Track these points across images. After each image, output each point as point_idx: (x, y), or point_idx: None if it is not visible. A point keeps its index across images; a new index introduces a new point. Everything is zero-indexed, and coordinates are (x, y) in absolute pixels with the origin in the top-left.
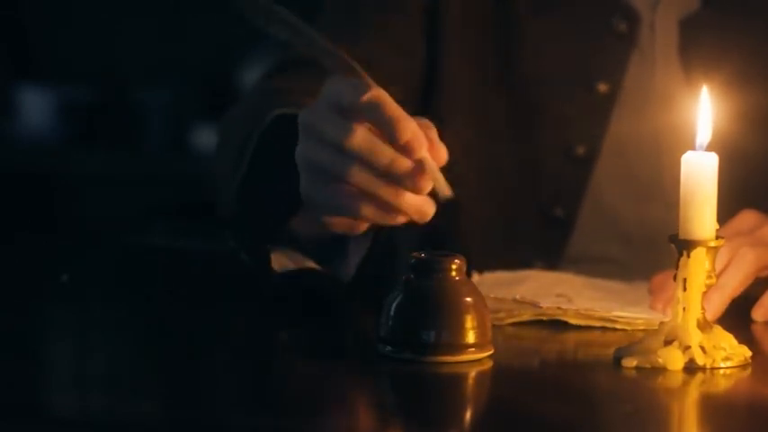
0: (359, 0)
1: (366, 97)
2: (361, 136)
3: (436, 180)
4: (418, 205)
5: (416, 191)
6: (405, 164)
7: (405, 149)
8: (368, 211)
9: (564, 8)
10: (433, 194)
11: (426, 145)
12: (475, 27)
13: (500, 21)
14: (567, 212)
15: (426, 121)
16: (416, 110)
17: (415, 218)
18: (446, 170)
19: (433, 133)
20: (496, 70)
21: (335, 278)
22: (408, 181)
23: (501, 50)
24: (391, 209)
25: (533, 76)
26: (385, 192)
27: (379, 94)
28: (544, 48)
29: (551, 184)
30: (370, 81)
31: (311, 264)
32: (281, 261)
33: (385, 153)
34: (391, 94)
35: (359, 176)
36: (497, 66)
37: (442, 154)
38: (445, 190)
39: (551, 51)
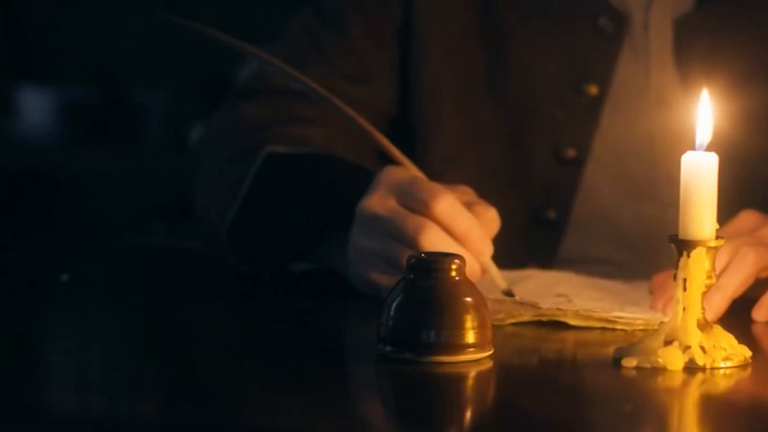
0: (319, 28)
1: (440, 207)
2: (434, 235)
3: (494, 278)
4: None
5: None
6: (472, 269)
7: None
8: None
9: (550, 10)
10: None
11: (490, 252)
12: (459, 31)
13: (486, 25)
14: (559, 214)
15: (490, 214)
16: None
17: None
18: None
19: (491, 216)
20: (484, 74)
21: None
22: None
23: (488, 55)
24: None
25: (521, 80)
26: None
27: (451, 201)
28: (531, 51)
29: (542, 187)
30: (412, 165)
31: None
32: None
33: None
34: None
35: None
36: (485, 70)
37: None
38: (502, 285)
39: (538, 54)
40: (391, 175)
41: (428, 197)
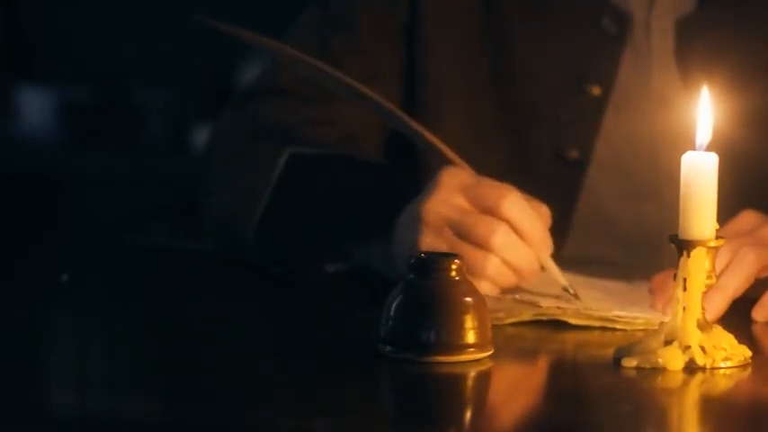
0: (327, 29)
1: (508, 206)
2: (504, 235)
3: (553, 275)
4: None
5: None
6: (532, 266)
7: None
8: (484, 288)
9: (553, 10)
10: None
11: (550, 250)
12: (462, 31)
13: (489, 24)
14: (561, 215)
15: (544, 210)
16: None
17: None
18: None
19: (544, 212)
20: (487, 74)
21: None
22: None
23: (491, 54)
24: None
25: (523, 80)
26: (506, 282)
27: (517, 199)
28: (534, 51)
29: (544, 187)
30: (466, 164)
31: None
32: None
33: (522, 254)
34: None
35: (495, 271)
36: (488, 69)
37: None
38: (561, 281)
39: (541, 54)
40: (453, 175)
41: (497, 196)
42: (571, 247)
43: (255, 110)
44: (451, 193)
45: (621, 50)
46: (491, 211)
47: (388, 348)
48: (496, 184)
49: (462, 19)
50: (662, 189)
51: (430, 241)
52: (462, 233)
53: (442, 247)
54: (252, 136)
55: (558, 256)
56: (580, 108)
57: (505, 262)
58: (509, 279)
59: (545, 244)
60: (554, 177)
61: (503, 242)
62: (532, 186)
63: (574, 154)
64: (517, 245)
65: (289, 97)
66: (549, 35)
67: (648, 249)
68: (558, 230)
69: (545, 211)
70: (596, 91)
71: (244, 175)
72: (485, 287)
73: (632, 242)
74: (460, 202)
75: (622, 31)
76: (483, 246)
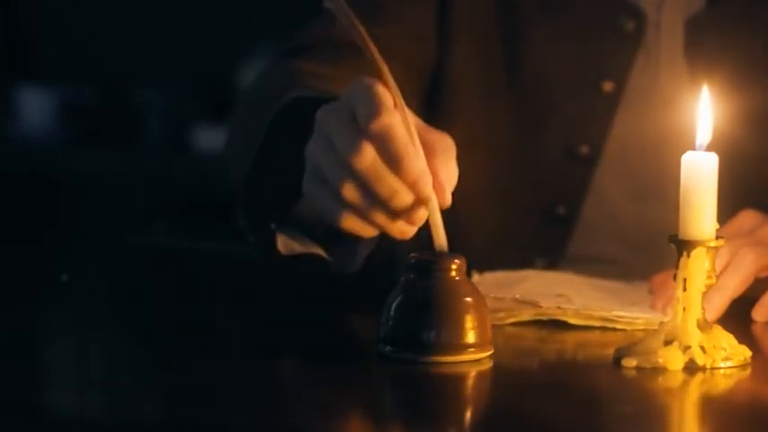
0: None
1: (377, 124)
2: (369, 159)
3: (435, 228)
4: (402, 229)
5: (409, 223)
6: (404, 202)
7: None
8: (350, 222)
9: (569, 7)
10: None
11: (430, 188)
12: (481, 25)
13: (505, 19)
14: (568, 211)
15: (445, 141)
16: (424, 99)
17: (396, 237)
18: None
19: (447, 161)
20: (502, 68)
21: (340, 267)
22: (404, 216)
23: (506, 48)
24: (375, 227)
25: (538, 75)
26: (375, 217)
27: (391, 121)
28: (549, 47)
29: (554, 183)
30: (394, 88)
31: (318, 250)
32: (287, 244)
33: (388, 184)
34: (405, 79)
35: (352, 195)
36: (503, 63)
37: (446, 197)
38: (442, 242)
39: (556, 50)
40: (355, 81)
41: (370, 109)
42: (576, 244)
43: (287, 61)
44: (341, 102)
45: (636, 48)
46: (360, 123)
47: (388, 348)
48: (382, 98)
49: (481, 14)
50: (667, 189)
51: (310, 144)
52: (329, 141)
53: (314, 153)
54: (264, 91)
55: (564, 253)
56: (593, 104)
57: (369, 189)
58: (366, 209)
59: (421, 184)
60: (563, 173)
61: (365, 167)
62: (541, 182)
63: (584, 150)
64: (380, 169)
65: (321, 53)
66: (565, 31)
67: (652, 250)
68: (566, 226)
69: (448, 141)
70: (609, 88)
71: (242, 129)
72: (347, 221)
73: (636, 242)
74: (342, 108)
75: (639, 29)
76: (342, 163)
